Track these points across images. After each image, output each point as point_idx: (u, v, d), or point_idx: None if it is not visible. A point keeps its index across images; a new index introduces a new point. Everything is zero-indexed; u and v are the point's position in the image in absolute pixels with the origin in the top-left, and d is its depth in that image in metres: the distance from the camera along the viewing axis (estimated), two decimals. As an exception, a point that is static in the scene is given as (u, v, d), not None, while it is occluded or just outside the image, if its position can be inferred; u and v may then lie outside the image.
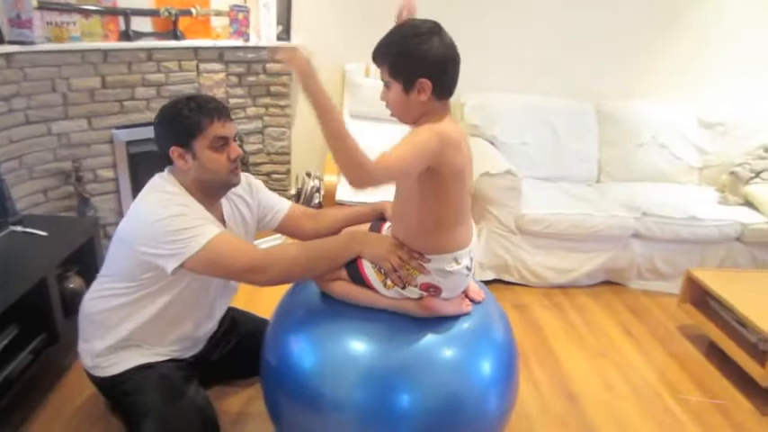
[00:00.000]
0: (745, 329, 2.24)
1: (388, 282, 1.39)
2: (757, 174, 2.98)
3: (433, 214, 1.35)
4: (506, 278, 2.89)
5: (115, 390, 1.65)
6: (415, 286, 1.39)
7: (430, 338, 1.39)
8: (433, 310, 1.40)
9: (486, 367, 1.42)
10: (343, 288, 1.46)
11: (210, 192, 1.60)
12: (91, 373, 1.68)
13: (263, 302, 2.45)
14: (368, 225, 1.65)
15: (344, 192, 2.79)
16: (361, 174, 1.15)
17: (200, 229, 1.44)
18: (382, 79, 1.30)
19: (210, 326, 1.82)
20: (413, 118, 1.31)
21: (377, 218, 1.69)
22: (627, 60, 3.49)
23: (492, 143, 3.18)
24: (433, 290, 1.40)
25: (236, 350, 1.93)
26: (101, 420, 1.82)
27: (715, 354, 2.39)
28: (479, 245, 2.80)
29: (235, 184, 1.64)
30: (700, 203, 2.95)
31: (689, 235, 2.82)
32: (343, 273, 1.45)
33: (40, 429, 1.78)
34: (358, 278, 1.43)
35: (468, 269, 1.44)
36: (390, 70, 1.27)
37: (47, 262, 1.91)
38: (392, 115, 1.33)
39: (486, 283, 2.84)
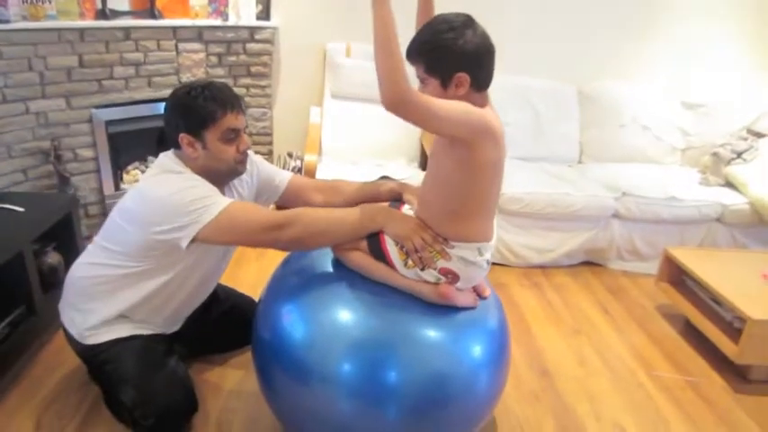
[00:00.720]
0: (720, 308, 2.26)
1: (410, 261, 1.40)
2: (739, 154, 2.98)
3: (463, 201, 1.35)
4: (486, 258, 2.90)
5: (96, 358, 1.68)
6: (435, 269, 1.40)
7: (421, 317, 1.40)
8: (447, 297, 1.41)
9: (477, 350, 1.42)
10: (361, 259, 1.47)
11: (216, 178, 1.60)
12: (76, 340, 1.70)
13: (247, 278, 2.49)
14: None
15: (325, 171, 2.80)
16: (399, 91, 1.14)
17: (212, 198, 1.46)
18: (418, 76, 1.30)
19: (198, 303, 1.84)
20: None
21: (394, 199, 1.67)
22: (609, 42, 3.48)
23: (473, 123, 3.16)
24: (451, 276, 1.41)
25: (219, 323, 1.95)
26: (81, 389, 1.85)
27: (691, 332, 2.41)
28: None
29: (241, 173, 1.66)
30: (681, 184, 2.96)
31: (669, 215, 2.83)
32: (364, 244, 1.45)
33: (20, 398, 1.81)
34: (378, 252, 1.44)
35: (488, 263, 1.46)
36: (426, 67, 1.27)
37: (23, 236, 1.93)
38: None
39: (467, 262, 2.87)
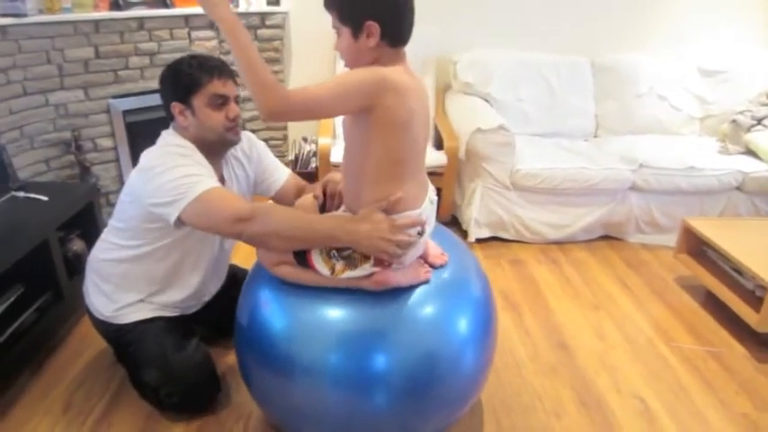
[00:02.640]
0: (741, 277, 2.23)
1: (337, 267, 1.33)
2: (759, 121, 2.91)
3: (378, 167, 1.28)
4: (503, 235, 2.90)
5: (120, 339, 1.74)
6: (366, 264, 1.32)
7: (404, 298, 1.35)
8: (386, 284, 1.34)
9: (463, 324, 1.40)
10: (290, 272, 1.39)
11: (211, 149, 1.62)
12: (100, 321, 1.76)
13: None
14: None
15: (339, 154, 2.81)
16: (273, 101, 1.10)
17: (197, 177, 1.47)
18: (333, 26, 1.25)
19: (215, 283, 1.88)
20: (364, 64, 1.24)
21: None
22: (623, 12, 3.41)
23: (486, 101, 3.16)
24: (386, 263, 1.33)
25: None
26: (108, 370, 1.91)
27: (711, 303, 2.38)
28: (474, 202, 2.81)
29: (234, 143, 1.67)
30: (699, 154, 2.91)
31: (688, 186, 2.79)
32: (289, 256, 1.37)
33: (50, 381, 1.87)
34: (303, 263, 1.36)
35: (420, 234, 1.35)
36: (339, 15, 1.22)
37: (48, 224, 1.99)
38: (345, 65, 1.28)
39: (483, 240, 2.88)
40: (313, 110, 1.18)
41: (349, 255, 1.32)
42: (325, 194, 1.57)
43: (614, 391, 1.89)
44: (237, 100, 1.64)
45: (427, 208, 1.38)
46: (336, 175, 1.57)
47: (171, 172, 1.47)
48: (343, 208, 1.46)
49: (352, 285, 1.35)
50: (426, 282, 1.40)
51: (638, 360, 2.06)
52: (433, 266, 1.46)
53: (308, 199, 1.62)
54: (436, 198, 1.46)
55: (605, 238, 2.97)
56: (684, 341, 2.18)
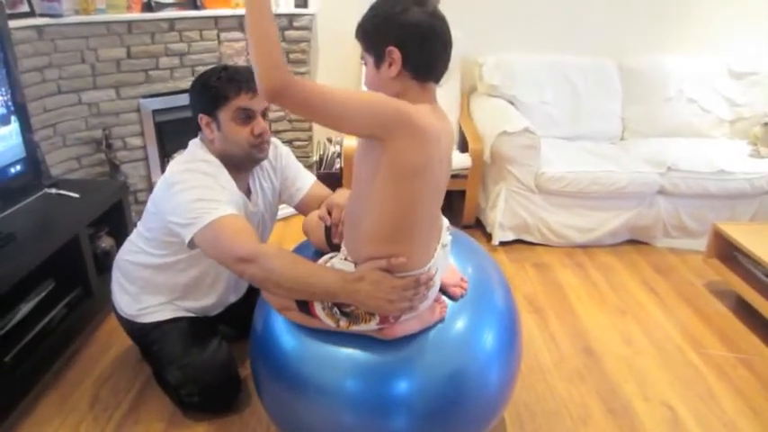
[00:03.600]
0: (774, 283, 2.19)
1: (342, 323, 1.25)
2: (792, 124, 2.85)
3: (378, 218, 1.16)
4: (527, 238, 2.88)
5: (144, 338, 1.76)
6: (372, 321, 1.24)
7: None
8: (396, 335, 1.26)
9: (487, 339, 1.34)
10: (297, 318, 1.33)
11: (236, 165, 1.61)
12: (125, 319, 1.79)
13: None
14: None
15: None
16: (276, 77, 0.98)
17: (213, 204, 1.43)
18: (361, 57, 1.16)
19: (235, 295, 1.89)
20: None
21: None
22: (650, 14, 3.36)
23: (512, 103, 3.14)
24: (392, 319, 1.24)
25: None
26: (134, 366, 1.94)
27: (742, 309, 2.33)
28: (499, 205, 2.80)
29: (260, 160, 1.65)
30: (730, 157, 2.85)
31: (718, 190, 2.74)
32: (292, 304, 1.30)
33: (78, 375, 1.91)
34: (306, 311, 1.29)
35: (428, 289, 1.25)
36: (364, 42, 1.13)
37: (79, 221, 2.03)
38: None
39: (507, 243, 2.86)
40: (314, 106, 1.03)
41: (351, 312, 1.24)
42: (330, 213, 1.49)
43: (642, 398, 1.86)
44: (266, 115, 1.61)
45: (438, 257, 1.27)
46: (341, 198, 1.47)
47: (189, 192, 1.45)
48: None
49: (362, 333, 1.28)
50: (442, 320, 1.31)
51: (667, 366, 2.02)
52: (452, 298, 1.38)
53: (313, 219, 1.55)
54: (450, 239, 1.36)
55: (632, 242, 2.93)
56: (714, 348, 2.13)
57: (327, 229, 1.48)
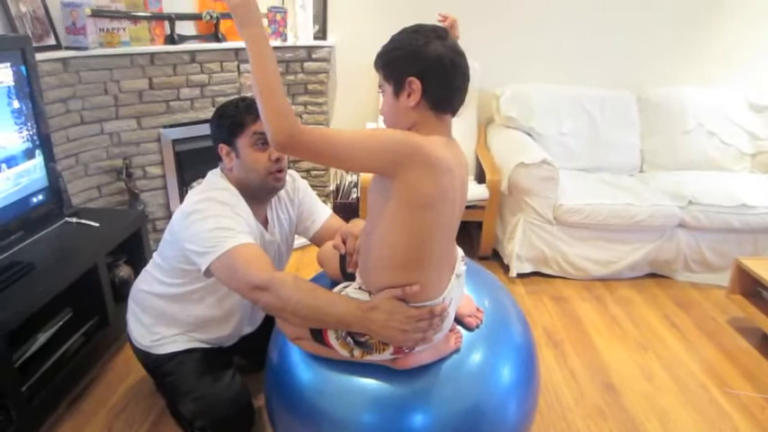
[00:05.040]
0: (801, 321, 2.13)
1: (356, 353, 1.25)
2: (815, 158, 2.81)
3: (391, 249, 1.16)
4: (545, 271, 2.84)
5: (158, 370, 1.74)
6: (387, 351, 1.24)
7: None
8: (410, 366, 1.26)
9: (505, 373, 1.33)
10: (310, 347, 1.33)
11: (254, 194, 1.62)
12: (139, 350, 1.77)
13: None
14: None
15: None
16: (286, 127, 1.00)
17: (229, 233, 1.43)
18: (379, 86, 1.18)
19: (251, 326, 1.87)
20: (403, 127, 1.14)
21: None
22: (669, 47, 3.37)
23: (529, 134, 3.14)
24: (407, 349, 1.24)
25: None
26: (149, 398, 1.93)
27: (768, 347, 2.28)
28: (516, 237, 2.77)
29: (277, 189, 1.66)
30: (752, 190, 2.80)
31: (740, 224, 2.69)
32: (306, 333, 1.30)
33: (94, 404, 1.90)
34: (321, 341, 1.29)
35: (442, 320, 1.24)
36: (383, 71, 1.14)
37: (98, 250, 2.04)
38: (385, 124, 1.19)
39: (525, 275, 2.83)
40: (323, 152, 1.05)
41: (365, 341, 1.24)
42: (344, 242, 1.49)
43: (665, 437, 1.81)
44: None
45: (453, 287, 1.27)
46: (356, 228, 1.47)
47: (206, 222, 1.45)
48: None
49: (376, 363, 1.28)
50: (457, 351, 1.30)
51: (690, 405, 1.96)
52: (468, 328, 1.37)
53: (328, 249, 1.56)
54: (464, 269, 1.36)
55: (652, 276, 2.88)
56: (740, 386, 2.07)
57: (342, 259, 1.48)
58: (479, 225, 2.90)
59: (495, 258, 3.00)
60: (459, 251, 1.35)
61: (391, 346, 1.22)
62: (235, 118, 1.56)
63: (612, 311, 2.57)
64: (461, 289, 1.35)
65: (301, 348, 1.35)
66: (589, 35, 3.34)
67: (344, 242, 1.48)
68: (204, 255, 1.43)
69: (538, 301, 2.65)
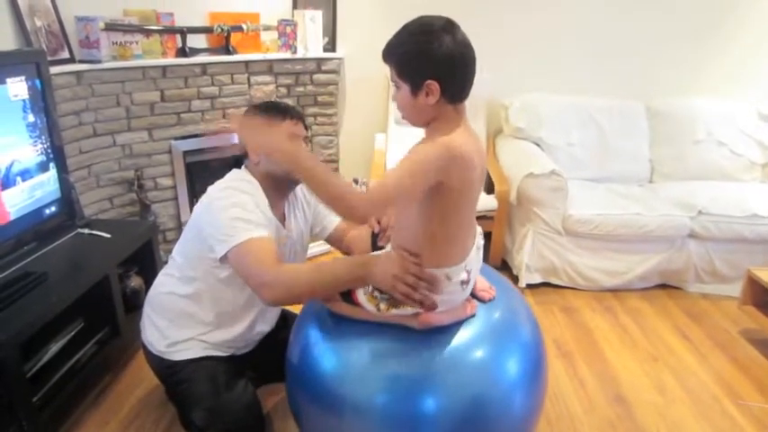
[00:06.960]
0: (814, 332, 2.11)
1: (382, 306, 1.35)
2: (827, 168, 2.79)
3: (429, 231, 1.27)
4: (555, 281, 2.83)
5: (172, 377, 1.75)
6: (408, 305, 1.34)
7: (452, 338, 1.36)
8: (429, 323, 1.35)
9: (512, 366, 1.38)
10: (343, 308, 1.43)
11: (278, 186, 1.68)
12: (153, 356, 1.78)
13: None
14: None
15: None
16: (357, 209, 1.13)
17: (250, 224, 1.51)
18: (391, 80, 1.23)
19: (266, 326, 1.88)
20: (423, 121, 1.23)
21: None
22: (678, 58, 3.37)
23: (538, 145, 3.14)
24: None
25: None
26: (159, 408, 1.94)
27: (782, 359, 2.26)
28: (525, 247, 2.77)
29: (299, 181, 1.69)
30: (763, 200, 2.77)
31: (751, 234, 2.67)
32: (337, 295, 1.42)
33: (106, 414, 1.92)
34: (350, 301, 1.40)
35: (464, 282, 1.35)
36: (397, 71, 1.19)
37: (109, 261, 2.06)
38: (403, 118, 1.26)
39: (534, 286, 2.82)
40: (398, 198, 1.16)
41: (391, 295, 1.33)
42: (379, 222, 1.60)
43: (678, 450, 1.80)
44: (307, 142, 1.70)
45: (473, 256, 1.36)
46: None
47: (228, 210, 1.52)
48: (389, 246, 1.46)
49: (400, 322, 1.37)
50: (472, 316, 1.41)
51: (702, 417, 1.94)
52: (481, 300, 1.47)
53: (361, 231, 1.68)
54: (483, 242, 1.46)
55: (663, 286, 2.86)
56: (752, 398, 2.05)
57: (374, 236, 1.61)
58: (488, 235, 2.90)
59: (505, 269, 3.00)
60: (478, 227, 1.42)
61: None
62: (265, 117, 1.65)
63: (623, 322, 2.56)
64: (479, 260, 1.44)
65: (332, 309, 1.46)
66: (598, 46, 3.34)
67: (379, 222, 1.60)
68: (222, 242, 1.51)
69: (547, 311, 2.64)
